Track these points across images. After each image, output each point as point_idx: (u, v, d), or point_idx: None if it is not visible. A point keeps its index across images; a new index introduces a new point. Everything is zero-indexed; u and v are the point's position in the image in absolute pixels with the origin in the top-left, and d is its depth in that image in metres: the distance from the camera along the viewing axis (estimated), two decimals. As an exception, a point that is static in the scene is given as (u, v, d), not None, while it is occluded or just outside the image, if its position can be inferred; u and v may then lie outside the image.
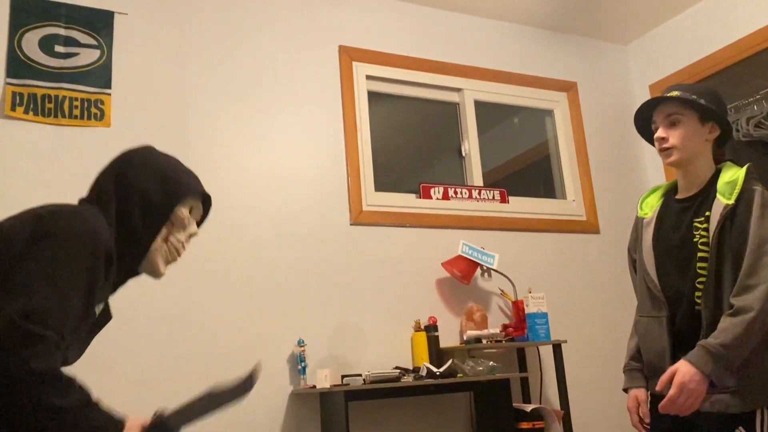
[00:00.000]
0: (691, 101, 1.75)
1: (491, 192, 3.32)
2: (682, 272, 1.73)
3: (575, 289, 3.38)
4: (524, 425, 2.69)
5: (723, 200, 1.68)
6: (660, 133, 1.79)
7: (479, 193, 3.29)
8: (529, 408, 2.75)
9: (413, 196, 3.15)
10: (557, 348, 2.87)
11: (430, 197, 3.17)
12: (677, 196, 1.84)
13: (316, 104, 3.02)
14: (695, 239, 1.72)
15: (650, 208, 1.90)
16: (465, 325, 2.96)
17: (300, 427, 2.60)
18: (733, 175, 1.71)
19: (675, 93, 1.77)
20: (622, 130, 3.83)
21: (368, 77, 3.20)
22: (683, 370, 1.57)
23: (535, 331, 2.88)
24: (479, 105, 3.48)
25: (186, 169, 1.46)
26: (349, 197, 2.96)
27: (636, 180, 3.78)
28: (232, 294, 2.65)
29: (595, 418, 3.20)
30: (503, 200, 3.34)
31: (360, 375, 2.50)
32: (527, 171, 3.83)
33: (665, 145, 1.78)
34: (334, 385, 2.49)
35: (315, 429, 2.62)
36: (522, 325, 2.94)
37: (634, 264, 1.95)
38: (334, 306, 2.80)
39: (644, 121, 1.90)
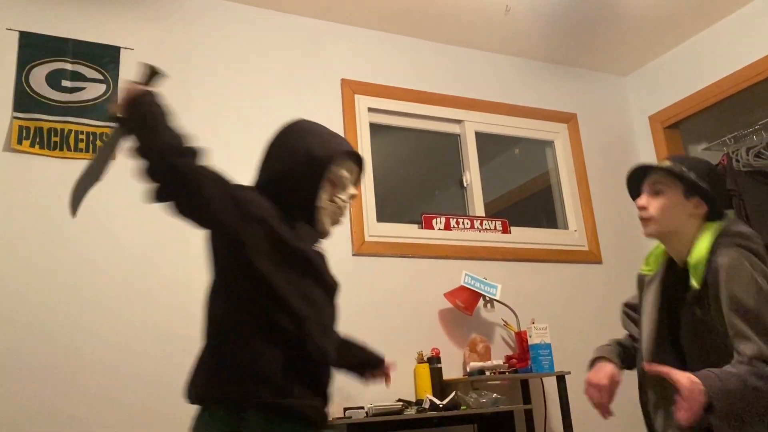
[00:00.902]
0: (675, 172, 1.66)
1: (493, 222, 3.33)
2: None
3: (578, 319, 3.37)
4: (529, 459, 2.66)
5: (694, 283, 1.60)
6: (640, 200, 1.74)
7: (481, 224, 3.30)
8: (533, 441, 2.72)
9: (415, 226, 3.16)
10: (561, 379, 2.85)
11: (432, 228, 3.18)
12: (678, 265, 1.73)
13: (319, 136, 3.05)
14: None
15: (654, 264, 1.80)
16: (468, 356, 2.95)
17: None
18: (701, 250, 1.60)
19: (666, 163, 1.71)
20: (622, 160, 3.86)
21: (370, 109, 3.23)
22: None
23: (539, 363, 2.86)
24: (480, 136, 3.50)
25: (333, 132, 1.60)
26: (351, 228, 2.97)
27: (637, 211, 3.79)
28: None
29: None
30: (505, 230, 3.35)
31: (362, 408, 2.48)
32: (529, 201, 3.85)
33: (643, 215, 1.73)
34: (336, 418, 2.47)
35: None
36: (525, 356, 2.92)
37: (633, 320, 1.87)
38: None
39: (637, 187, 1.83)
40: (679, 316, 1.67)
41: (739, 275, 1.51)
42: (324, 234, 1.55)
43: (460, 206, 3.41)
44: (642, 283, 1.82)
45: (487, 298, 3.14)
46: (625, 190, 3.77)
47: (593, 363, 1.81)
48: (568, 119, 3.75)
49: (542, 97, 3.72)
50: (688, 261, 1.63)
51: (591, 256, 3.52)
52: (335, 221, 1.58)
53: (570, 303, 3.37)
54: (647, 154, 3.84)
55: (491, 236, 3.30)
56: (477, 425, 2.81)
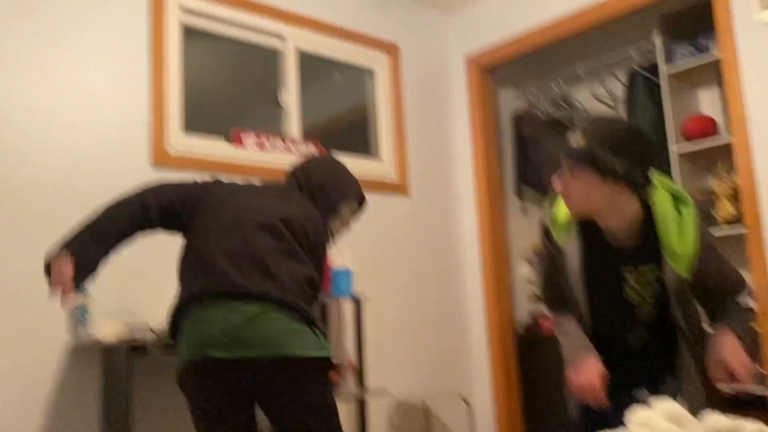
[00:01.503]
0: (585, 161, 1.57)
1: (307, 146, 3.27)
2: None
3: (382, 248, 3.47)
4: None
5: (684, 274, 1.66)
6: (556, 184, 1.66)
7: (295, 146, 3.22)
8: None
9: (224, 141, 3.00)
10: (357, 304, 2.93)
11: (243, 145, 3.04)
12: None
13: (120, 32, 2.72)
14: None
15: (565, 232, 1.76)
16: (269, 279, 2.91)
17: (79, 385, 2.40)
18: (688, 241, 1.62)
19: (579, 142, 1.59)
20: (438, 97, 3.96)
21: (184, 9, 2.95)
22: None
23: (338, 287, 2.91)
24: (302, 56, 3.38)
25: (350, 177, 2.09)
26: (151, 137, 2.73)
27: (446, 148, 3.94)
28: (10, 238, 2.34)
29: (390, 372, 3.34)
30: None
31: (150, 329, 2.35)
32: (345, 128, 3.83)
33: (564, 201, 1.66)
34: (121, 340, 2.32)
35: (95, 387, 2.43)
36: (326, 280, 2.96)
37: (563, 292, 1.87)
38: (126, 253, 2.58)
39: None
40: (619, 274, 1.71)
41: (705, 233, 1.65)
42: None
43: (276, 127, 3.30)
44: (557, 248, 1.78)
45: (294, 222, 3.11)
46: (437, 128, 3.91)
47: (575, 354, 1.74)
48: (391, 50, 3.74)
49: (368, 22, 3.66)
50: (672, 251, 1.63)
51: (399, 189, 3.62)
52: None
53: (375, 232, 3.45)
54: (461, 94, 3.98)
55: (304, 160, 3.24)
56: (272, 347, 2.82)
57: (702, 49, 3.28)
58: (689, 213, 1.65)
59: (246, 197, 1.87)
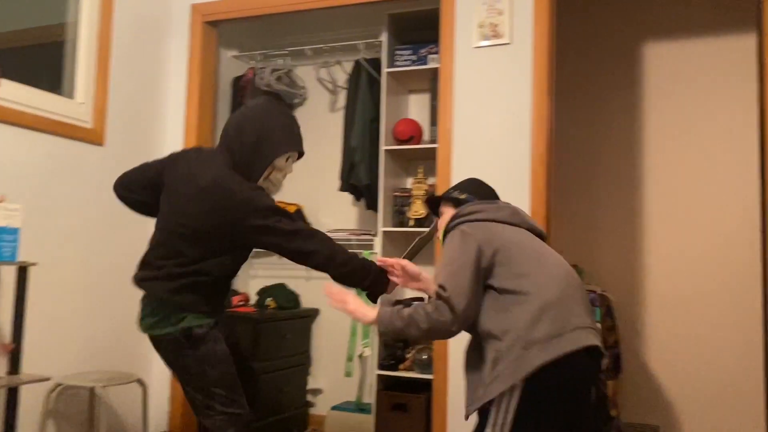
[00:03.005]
0: (442, 198, 2.17)
1: (-23, 65, 2.60)
2: None
3: (63, 204, 2.96)
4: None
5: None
6: (438, 223, 2.19)
7: (-42, 63, 2.53)
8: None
9: None
10: (23, 271, 2.44)
11: None
12: None
13: None
14: None
15: None
16: None
17: None
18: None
19: (457, 195, 2.13)
20: (154, 40, 3.52)
21: None
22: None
23: (0, 249, 2.39)
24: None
25: (289, 126, 2.18)
26: None
27: (155, 100, 3.54)
28: None
29: (55, 351, 2.88)
30: (-8, 80, 2.66)
31: None
32: (33, 52, 3.17)
33: (441, 228, 2.13)
34: None
35: None
36: None
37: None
38: None
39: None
40: None
41: (451, 239, 1.93)
42: None
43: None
44: None
45: (-55, 160, 2.45)
46: (149, 75, 3.48)
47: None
48: (105, -27, 3.19)
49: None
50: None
51: (93, 136, 3.13)
52: (271, 192, 2.16)
53: (56, 184, 2.92)
54: (179, 44, 3.60)
55: (-30, 82, 2.57)
56: None
57: (420, 58, 3.48)
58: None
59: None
